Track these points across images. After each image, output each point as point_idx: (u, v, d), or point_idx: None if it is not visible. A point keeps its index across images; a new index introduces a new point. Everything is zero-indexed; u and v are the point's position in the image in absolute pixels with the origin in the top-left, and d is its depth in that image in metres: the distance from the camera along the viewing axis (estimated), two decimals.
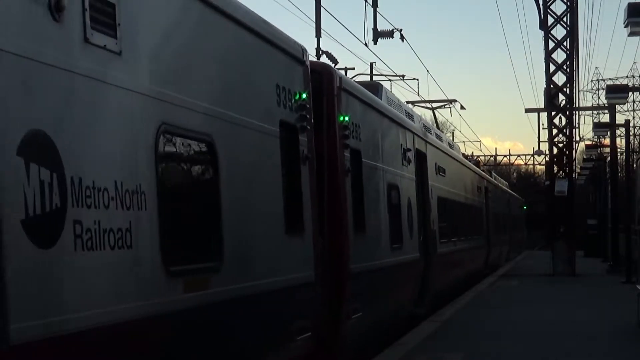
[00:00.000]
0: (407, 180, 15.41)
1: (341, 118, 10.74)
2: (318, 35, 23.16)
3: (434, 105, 38.99)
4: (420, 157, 17.07)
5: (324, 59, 23.92)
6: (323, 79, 10.51)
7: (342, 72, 26.87)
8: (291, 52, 8.98)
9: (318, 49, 23.73)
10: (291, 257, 8.65)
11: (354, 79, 26.43)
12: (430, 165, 18.33)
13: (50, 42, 4.86)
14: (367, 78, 35.55)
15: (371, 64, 36.30)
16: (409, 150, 15.68)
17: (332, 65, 19.21)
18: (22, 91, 4.60)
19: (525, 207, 63.06)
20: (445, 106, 40.00)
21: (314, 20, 23.50)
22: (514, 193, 55.03)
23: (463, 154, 34.31)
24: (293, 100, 8.87)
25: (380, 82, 17.22)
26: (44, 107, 4.78)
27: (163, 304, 5.85)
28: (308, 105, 9.26)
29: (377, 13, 27.20)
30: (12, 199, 4.45)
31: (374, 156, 12.80)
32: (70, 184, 4.87)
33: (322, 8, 23.32)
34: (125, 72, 5.61)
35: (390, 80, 36.73)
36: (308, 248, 9.14)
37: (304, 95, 9.11)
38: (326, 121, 10.41)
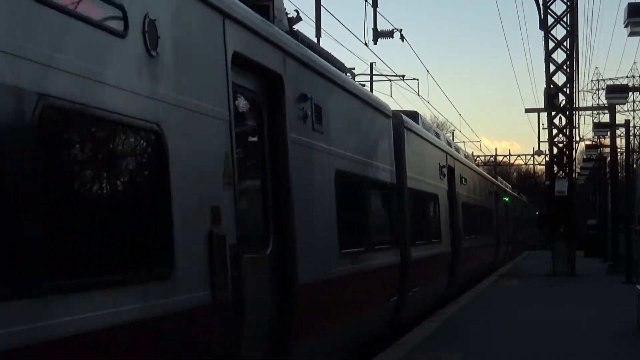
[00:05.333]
0: (501, 205, 33.90)
1: (504, 198, 35.60)
2: (318, 35, 23.13)
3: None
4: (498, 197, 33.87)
5: None
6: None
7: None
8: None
9: None
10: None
11: (354, 78, 26.86)
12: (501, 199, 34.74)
13: None
14: (367, 78, 35.49)
15: (371, 64, 36.21)
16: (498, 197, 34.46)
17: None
18: None
19: (537, 212, 75.93)
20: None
21: (314, 20, 23.50)
22: (530, 204, 74.40)
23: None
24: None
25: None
26: None
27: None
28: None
29: (377, 13, 27.23)
30: None
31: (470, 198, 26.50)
32: None
33: (322, 8, 23.33)
34: None
35: (390, 80, 36.65)
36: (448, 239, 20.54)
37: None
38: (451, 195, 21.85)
